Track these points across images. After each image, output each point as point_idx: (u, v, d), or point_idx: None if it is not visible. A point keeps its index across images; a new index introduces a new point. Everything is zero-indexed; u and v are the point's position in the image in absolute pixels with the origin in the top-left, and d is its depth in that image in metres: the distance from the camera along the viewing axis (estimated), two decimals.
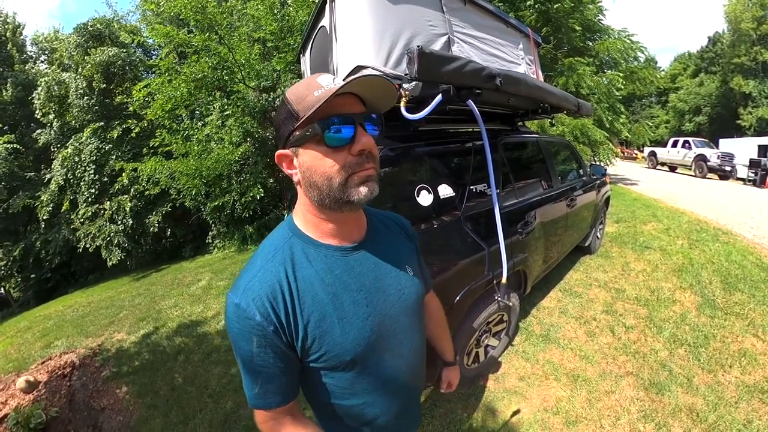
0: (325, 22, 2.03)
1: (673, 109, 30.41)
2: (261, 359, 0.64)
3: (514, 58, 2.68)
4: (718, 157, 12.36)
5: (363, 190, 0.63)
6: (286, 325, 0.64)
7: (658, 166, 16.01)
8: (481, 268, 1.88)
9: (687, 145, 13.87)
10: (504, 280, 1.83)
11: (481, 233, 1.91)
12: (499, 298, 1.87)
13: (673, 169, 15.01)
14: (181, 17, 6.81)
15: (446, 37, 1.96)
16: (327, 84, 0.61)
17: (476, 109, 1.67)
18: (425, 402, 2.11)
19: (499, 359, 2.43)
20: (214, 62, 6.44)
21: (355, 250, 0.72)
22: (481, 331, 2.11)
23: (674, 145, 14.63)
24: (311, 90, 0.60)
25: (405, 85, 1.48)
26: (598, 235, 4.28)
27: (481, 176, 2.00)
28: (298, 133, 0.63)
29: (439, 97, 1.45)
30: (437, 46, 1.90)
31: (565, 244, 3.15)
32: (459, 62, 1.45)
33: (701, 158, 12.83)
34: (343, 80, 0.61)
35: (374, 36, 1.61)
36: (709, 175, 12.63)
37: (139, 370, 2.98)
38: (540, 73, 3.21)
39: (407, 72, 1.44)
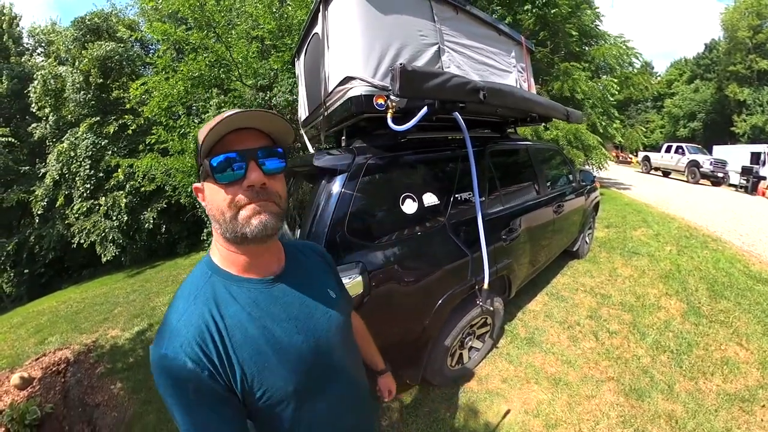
0: (318, 29, 2.06)
1: (669, 114, 30.64)
2: (199, 410, 0.60)
3: (505, 66, 2.73)
4: (711, 164, 12.48)
5: (254, 222, 0.62)
6: (220, 367, 0.61)
7: (652, 171, 16.14)
8: (464, 274, 1.93)
9: (680, 150, 14.00)
10: (486, 285, 1.88)
11: (464, 240, 1.96)
12: (481, 303, 1.93)
13: (666, 174, 15.13)
14: (179, 14, 6.79)
15: (436, 47, 1.99)
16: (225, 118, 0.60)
17: (462, 120, 1.71)
18: (410, 402, 2.16)
19: (476, 367, 2.45)
20: (212, 60, 6.44)
21: (277, 281, 0.72)
22: (464, 334, 2.17)
23: (668, 150, 14.76)
24: (211, 125, 0.60)
25: (392, 97, 1.52)
26: (587, 240, 4.36)
27: (466, 184, 2.04)
28: (202, 167, 0.65)
29: (424, 110, 1.49)
30: (427, 56, 1.94)
31: (551, 249, 3.21)
32: (442, 78, 1.49)
33: (694, 164, 12.96)
34: (226, 115, 0.60)
35: (364, 46, 1.64)
36: (702, 181, 12.76)
37: (133, 367, 3.01)
38: (532, 80, 3.25)
39: None
